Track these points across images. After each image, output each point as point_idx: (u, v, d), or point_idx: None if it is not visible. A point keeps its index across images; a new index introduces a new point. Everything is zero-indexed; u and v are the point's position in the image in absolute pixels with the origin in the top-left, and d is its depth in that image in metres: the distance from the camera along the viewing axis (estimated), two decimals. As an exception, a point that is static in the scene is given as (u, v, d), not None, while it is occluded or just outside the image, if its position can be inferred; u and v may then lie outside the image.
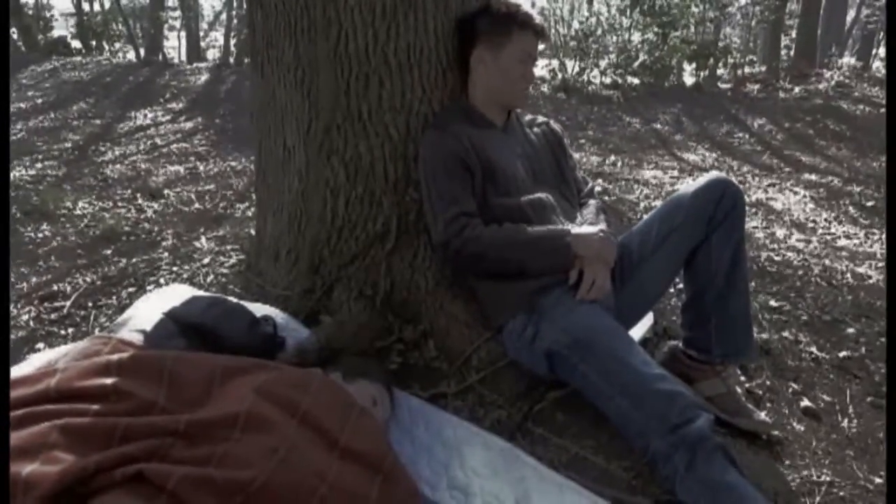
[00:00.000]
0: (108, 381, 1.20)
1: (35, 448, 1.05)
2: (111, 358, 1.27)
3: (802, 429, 1.85)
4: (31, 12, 12.45)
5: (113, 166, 4.66)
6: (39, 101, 7.29)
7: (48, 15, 12.94)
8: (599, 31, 9.40)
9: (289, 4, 1.84)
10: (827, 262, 3.09)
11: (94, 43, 12.53)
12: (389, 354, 1.88)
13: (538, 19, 1.82)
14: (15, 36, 11.22)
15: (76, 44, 12.54)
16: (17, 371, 1.36)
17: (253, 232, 2.68)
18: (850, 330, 2.39)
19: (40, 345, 2.09)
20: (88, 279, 2.54)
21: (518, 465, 1.53)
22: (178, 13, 15.29)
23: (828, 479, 1.66)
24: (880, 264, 3.14)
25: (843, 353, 2.23)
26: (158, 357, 1.31)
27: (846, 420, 1.91)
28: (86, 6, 14.09)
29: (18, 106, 6.96)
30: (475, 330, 1.88)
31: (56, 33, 12.67)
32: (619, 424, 1.55)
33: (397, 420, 1.63)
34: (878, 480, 1.67)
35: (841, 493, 1.63)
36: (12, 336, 2.15)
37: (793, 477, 1.65)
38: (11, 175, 4.14)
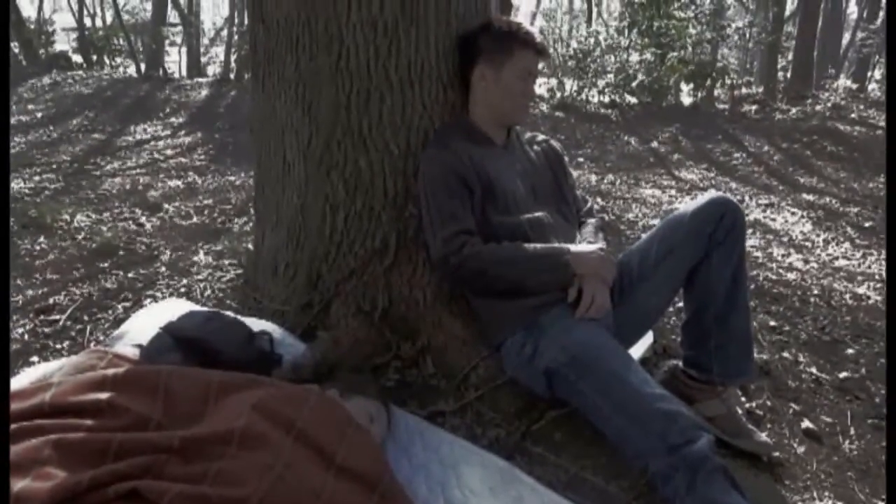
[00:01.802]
0: (103, 395, 1.18)
1: (27, 463, 1.03)
2: (106, 373, 1.25)
3: (803, 450, 1.83)
4: (32, 26, 12.53)
5: (111, 180, 4.66)
6: (39, 114, 7.31)
7: (50, 29, 13.03)
8: (598, 51, 9.48)
9: (291, 20, 1.85)
10: (825, 282, 3.09)
11: (95, 57, 12.59)
12: (387, 371, 1.87)
13: (539, 37, 1.82)
14: (16, 50, 11.27)
15: (77, 58, 12.61)
16: (11, 384, 1.34)
17: (251, 246, 2.68)
18: (850, 350, 2.38)
19: (35, 358, 2.07)
20: (85, 292, 2.53)
21: (516, 484, 1.51)
22: (179, 29, 15.39)
23: (829, 501, 1.64)
24: (878, 285, 3.14)
25: (843, 374, 2.21)
26: (154, 372, 1.30)
27: (847, 442, 1.90)
28: (87, 21, 14.18)
29: (18, 119, 6.97)
30: (473, 347, 1.87)
31: (57, 47, 12.74)
32: (618, 444, 1.53)
33: (394, 438, 1.61)
34: (879, 503, 1.66)
35: (842, 516, 1.61)
36: (6, 349, 2.13)
37: (794, 499, 1.64)
38: (10, 188, 4.14)
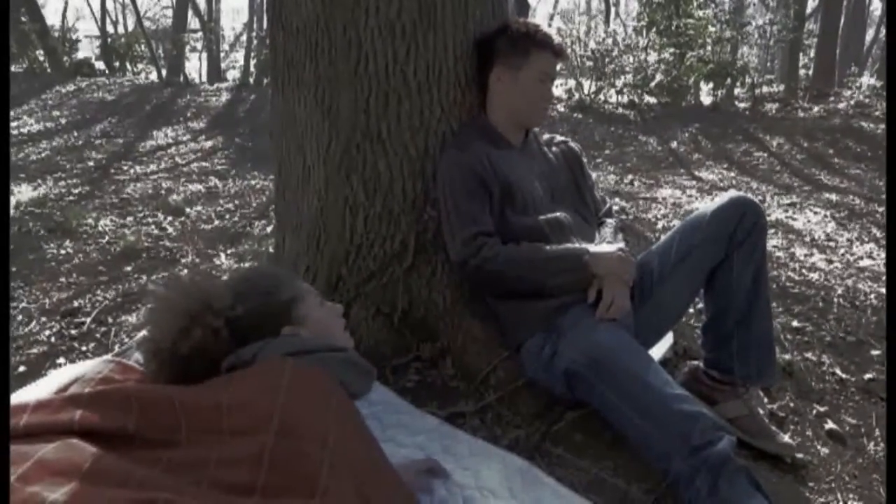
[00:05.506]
0: (130, 421, 1.13)
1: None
2: (130, 393, 1.20)
3: (827, 452, 1.81)
4: (56, 34, 12.75)
5: (134, 184, 4.73)
6: (64, 120, 7.44)
7: (73, 37, 13.25)
8: (616, 51, 9.43)
9: (310, 25, 1.87)
10: (849, 282, 3.04)
11: (117, 64, 12.80)
12: (407, 372, 1.88)
13: (557, 39, 1.82)
14: (42, 58, 11.48)
15: (100, 65, 12.82)
16: (34, 390, 1.33)
17: (272, 249, 2.70)
18: (875, 351, 2.35)
19: (62, 360, 2.11)
20: (109, 295, 2.57)
21: (536, 485, 1.51)
22: (199, 35, 15.58)
23: (853, 503, 1.62)
24: (904, 285, 3.09)
25: (868, 375, 2.18)
26: (167, 395, 1.22)
27: (872, 443, 1.87)
28: (110, 28, 14.40)
29: (44, 125, 7.09)
30: (493, 349, 1.87)
31: (81, 55, 12.96)
32: (639, 446, 1.52)
33: (413, 438, 1.61)
34: (906, 506, 1.63)
35: (868, 519, 1.59)
36: (34, 351, 2.17)
37: (817, 501, 1.62)
38: (36, 193, 4.22)
